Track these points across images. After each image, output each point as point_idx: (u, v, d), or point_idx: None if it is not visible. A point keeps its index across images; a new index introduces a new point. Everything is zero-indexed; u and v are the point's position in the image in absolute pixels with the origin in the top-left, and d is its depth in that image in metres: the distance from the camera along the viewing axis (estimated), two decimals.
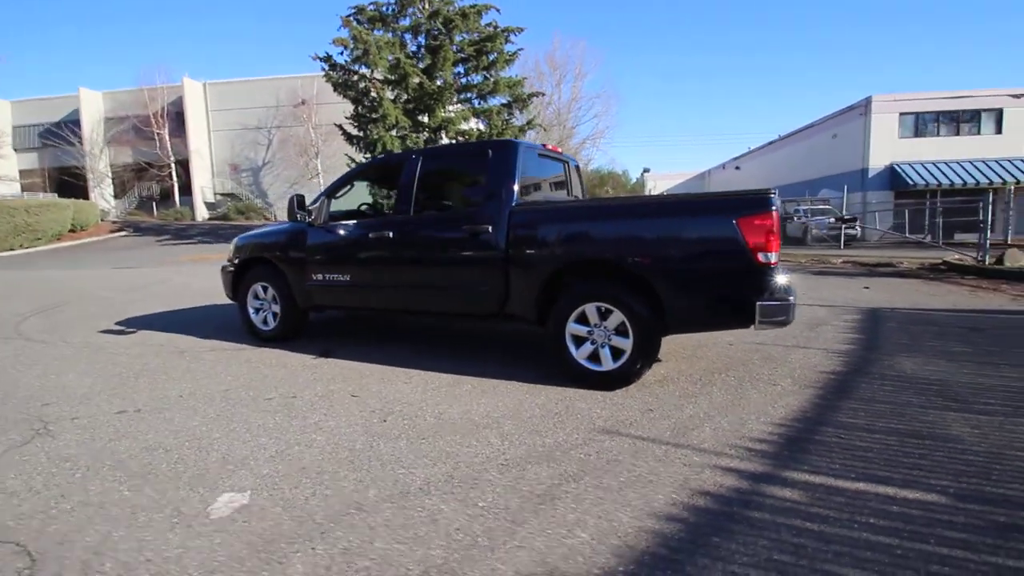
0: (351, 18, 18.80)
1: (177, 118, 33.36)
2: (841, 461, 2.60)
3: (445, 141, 20.38)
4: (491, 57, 19.57)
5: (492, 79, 19.69)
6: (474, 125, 21.10)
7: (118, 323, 6.39)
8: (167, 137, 33.02)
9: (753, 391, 3.60)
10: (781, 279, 3.23)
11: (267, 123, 34.21)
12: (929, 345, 4.82)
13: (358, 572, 1.82)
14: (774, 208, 3.13)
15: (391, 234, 4.33)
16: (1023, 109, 22.14)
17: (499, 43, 19.38)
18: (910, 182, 21.97)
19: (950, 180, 21.65)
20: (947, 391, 3.57)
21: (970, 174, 21.56)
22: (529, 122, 20.43)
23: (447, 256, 4.16)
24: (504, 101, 20.02)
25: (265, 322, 5.21)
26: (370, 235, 4.46)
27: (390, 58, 18.76)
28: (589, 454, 2.69)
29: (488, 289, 3.96)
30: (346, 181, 4.95)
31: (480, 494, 2.32)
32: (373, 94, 19.52)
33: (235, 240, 5.50)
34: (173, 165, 33.56)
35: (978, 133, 22.66)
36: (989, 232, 10.41)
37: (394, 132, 18.99)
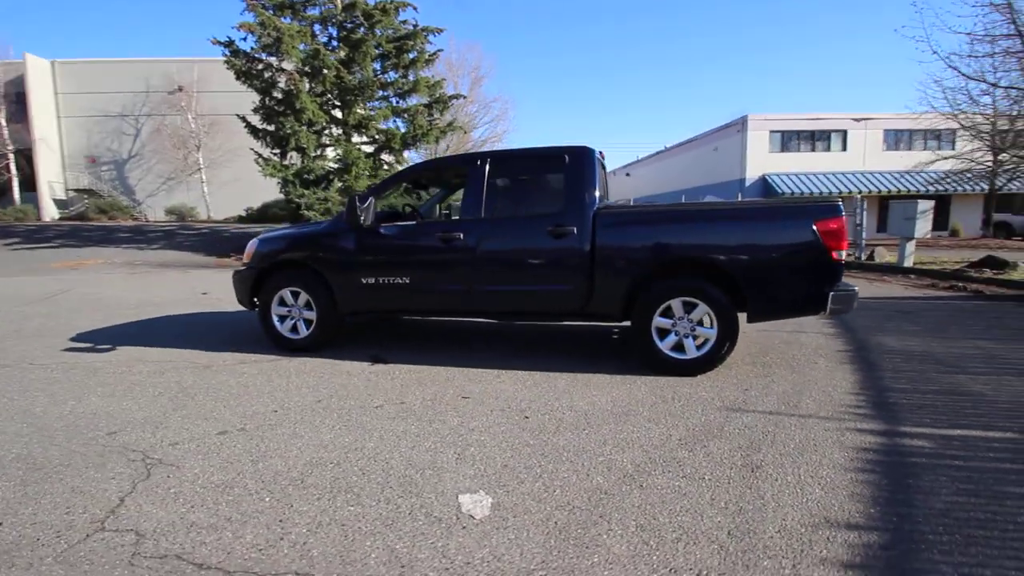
0: (257, 2, 17.39)
1: (18, 100, 28.15)
2: (925, 416, 3.22)
3: (363, 139, 19.69)
4: (411, 56, 19.23)
5: (412, 78, 19.37)
6: (391, 124, 20.57)
7: (74, 340, 5.48)
8: (3, 123, 27.76)
9: (808, 370, 4.19)
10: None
11: (134, 110, 30.19)
12: (887, 326, 5.86)
13: (672, 540, 1.97)
14: (843, 213, 3.73)
15: (462, 236, 4.32)
16: (863, 131, 26.81)
17: (419, 41, 19.10)
18: (779, 191, 25.52)
19: (810, 189, 25.52)
20: (939, 359, 4.46)
21: (825, 185, 25.60)
22: (450, 124, 20.39)
23: (528, 258, 4.25)
24: (424, 101, 19.79)
25: (295, 330, 4.85)
26: (438, 237, 4.39)
27: (303, 47, 17.69)
28: (742, 429, 3.03)
29: (572, 288, 4.14)
30: (396, 182, 4.78)
31: (695, 470, 2.55)
32: (283, 85, 18.20)
33: (254, 243, 5.03)
34: (12, 156, 28.25)
35: (829, 150, 27.00)
36: (856, 233, 12.56)
37: (309, 128, 17.91)
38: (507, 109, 57.50)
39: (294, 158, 19.26)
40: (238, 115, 19.11)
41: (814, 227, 3.71)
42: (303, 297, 4.77)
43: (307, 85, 18.02)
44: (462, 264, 4.35)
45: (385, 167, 19.20)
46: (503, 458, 2.70)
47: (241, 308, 7.36)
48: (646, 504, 2.25)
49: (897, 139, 27.51)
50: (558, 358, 4.57)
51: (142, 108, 30.29)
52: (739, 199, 22.88)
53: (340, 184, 18.18)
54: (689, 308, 3.98)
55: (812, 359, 4.50)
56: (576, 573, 1.82)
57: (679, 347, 4.03)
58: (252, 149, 18.45)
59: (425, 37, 19.14)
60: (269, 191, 26.23)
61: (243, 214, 28.91)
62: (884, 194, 25.12)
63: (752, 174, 26.45)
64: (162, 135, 29.85)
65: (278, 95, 18.26)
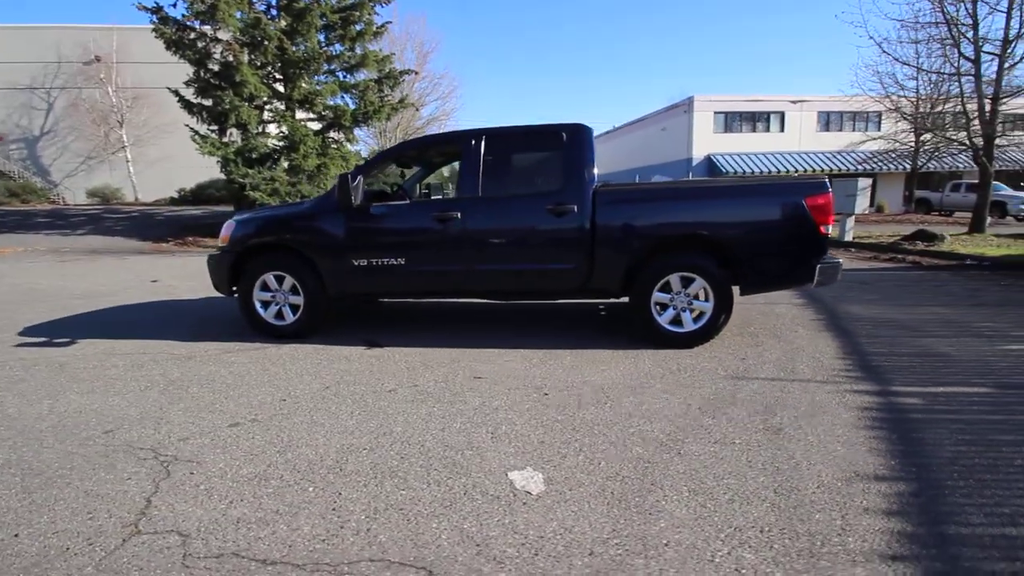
0: None
1: None
2: (909, 376, 3.50)
3: (310, 116, 18.81)
4: (358, 27, 18.39)
5: (360, 52, 18.57)
6: (339, 101, 19.70)
7: (25, 334, 5.00)
8: None
9: (792, 338, 4.44)
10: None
11: (45, 82, 27.43)
12: (849, 295, 6.28)
13: (726, 501, 2.06)
14: (830, 190, 3.93)
15: (460, 215, 4.23)
16: (799, 112, 28.18)
17: (366, 12, 18.27)
18: (724, 170, 26.54)
19: (752, 169, 26.69)
20: (904, 325, 4.83)
21: (765, 164, 26.82)
22: (402, 100, 19.76)
23: (528, 237, 4.23)
24: (374, 77, 19.05)
25: (280, 316, 4.63)
26: (433, 216, 4.28)
27: (240, 15, 16.57)
28: (753, 395, 3.19)
29: (573, 267, 4.17)
30: (384, 160, 4.60)
31: (723, 436, 2.66)
32: (220, 56, 17.01)
33: (231, 224, 4.71)
34: None
35: (768, 131, 28.25)
36: None
37: (249, 103, 16.87)
38: (455, 86, 56.25)
39: (234, 135, 18.16)
40: (169, 88, 17.77)
41: (804, 203, 3.90)
42: (288, 281, 4.55)
43: (247, 57, 16.93)
44: (460, 244, 4.28)
45: (334, 145, 18.46)
46: (537, 435, 2.71)
47: (201, 295, 7.00)
48: (690, 470, 2.33)
49: (829, 121, 29.13)
50: (552, 336, 4.62)
51: (54, 80, 27.60)
52: (690, 177, 23.79)
53: (287, 163, 17.35)
54: (686, 283, 4.10)
55: (792, 328, 4.76)
56: (647, 539, 1.88)
57: (676, 321, 4.16)
58: (187, 126, 17.20)
59: (372, 8, 18.34)
60: (204, 171, 24.65)
61: (175, 196, 27.05)
62: (818, 173, 26.62)
63: (698, 154, 27.33)
64: (79, 110, 27.37)
65: (214, 67, 17.07)
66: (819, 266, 3.96)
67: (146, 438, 2.76)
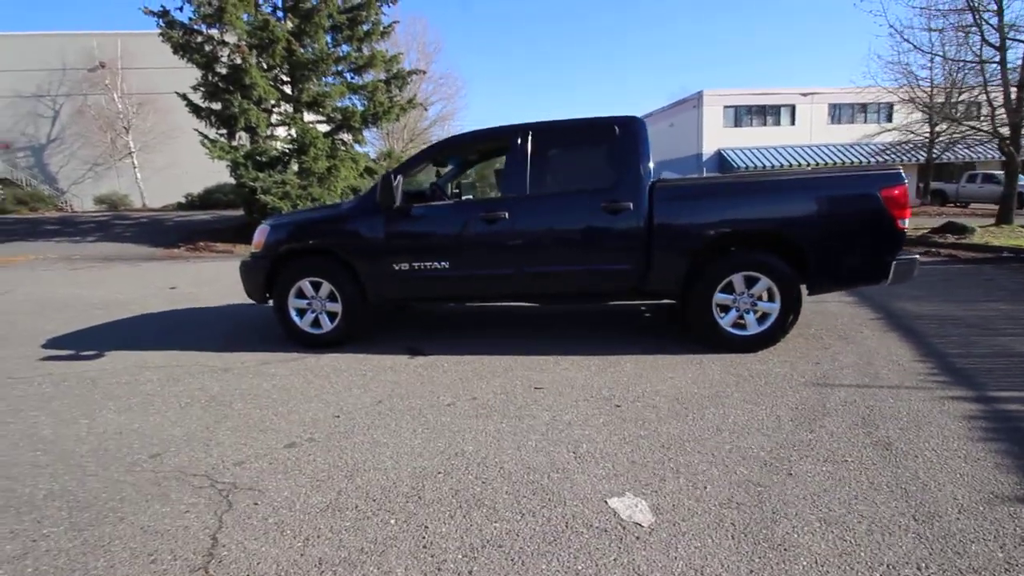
0: None
1: None
2: (1000, 380, 3.25)
3: (319, 118, 18.61)
4: (365, 27, 18.20)
5: (367, 52, 18.37)
6: (347, 102, 19.48)
7: (49, 347, 4.81)
8: None
9: (860, 340, 4.20)
10: None
11: (51, 90, 27.35)
12: (897, 291, 5.99)
13: (864, 532, 1.83)
14: (906, 181, 3.69)
15: (507, 215, 4.01)
16: (810, 105, 27.86)
17: (373, 12, 18.08)
18: (735, 165, 26.25)
19: (762, 163, 26.39)
20: (968, 323, 4.58)
21: (777, 158, 26.53)
22: (410, 100, 19.57)
23: (581, 236, 4.00)
24: (382, 77, 18.84)
25: (316, 324, 4.41)
26: (479, 217, 4.06)
27: (247, 18, 16.39)
28: (844, 405, 2.95)
29: (630, 267, 3.94)
30: (424, 159, 4.38)
31: (831, 453, 2.43)
32: (227, 59, 16.83)
33: (264, 229, 4.50)
34: None
35: (779, 124, 27.93)
36: None
37: (258, 106, 16.68)
38: (459, 87, 56.00)
39: (243, 139, 17.99)
40: (177, 93, 17.59)
41: (879, 194, 3.65)
42: (325, 288, 4.34)
43: (255, 59, 16.74)
44: (508, 245, 4.05)
45: (343, 147, 18.27)
46: (624, 454, 2.49)
47: (224, 302, 6.80)
48: (810, 494, 2.10)
49: (840, 113, 28.81)
50: (602, 341, 4.38)
51: (59, 87, 27.53)
52: (704, 174, 23.48)
53: (297, 166, 17.16)
54: (750, 283, 3.87)
55: (856, 328, 4.51)
56: None
57: (739, 323, 3.93)
58: (196, 130, 17.04)
59: (379, 8, 18.13)
60: (211, 176, 24.51)
61: (183, 201, 26.92)
62: (831, 166, 26.34)
63: (708, 149, 27.05)
64: (85, 117, 27.29)
65: (222, 70, 16.91)
66: (895, 262, 3.71)
67: (198, 462, 2.55)
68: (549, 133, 4.16)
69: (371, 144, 29.45)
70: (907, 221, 3.71)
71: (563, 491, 2.18)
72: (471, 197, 6.02)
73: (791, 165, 26.08)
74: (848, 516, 1.96)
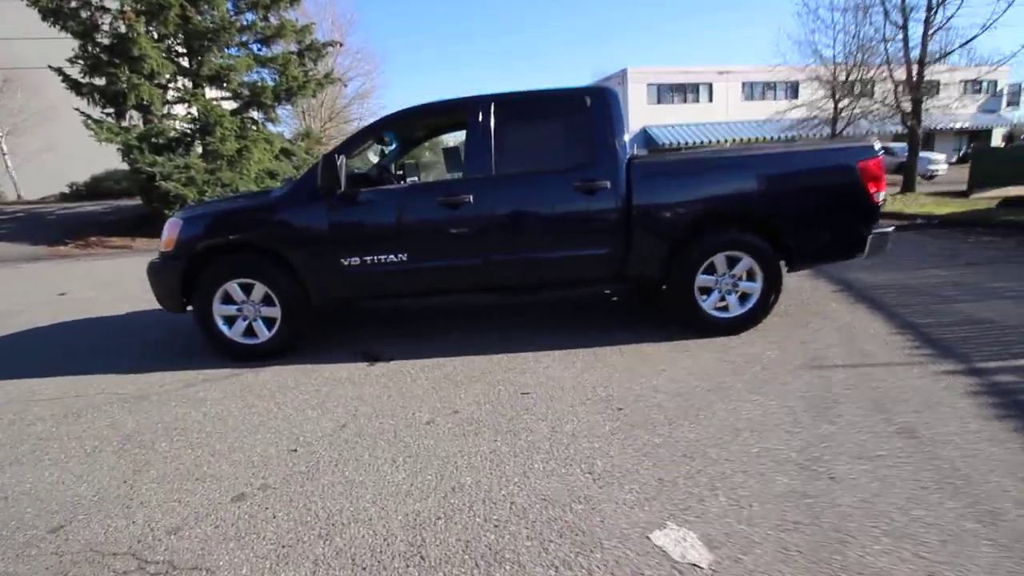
0: None
1: None
2: (979, 350, 3.27)
3: (224, 94, 16.86)
4: None
5: (275, 21, 16.76)
6: (256, 77, 17.75)
7: None
8: None
9: (833, 314, 4.16)
10: None
11: None
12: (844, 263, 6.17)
13: (938, 544, 1.64)
14: (881, 154, 3.61)
15: (472, 198, 3.55)
16: (725, 83, 28.93)
17: None
18: (659, 142, 26.88)
19: (683, 140, 27.19)
20: (923, 290, 4.71)
21: (697, 135, 27.43)
22: (327, 75, 18.17)
23: (555, 220, 3.62)
24: (294, 49, 17.31)
25: (251, 333, 3.77)
26: (439, 201, 3.57)
27: None
28: (850, 388, 2.81)
29: (609, 251, 3.63)
30: (367, 136, 3.79)
31: (863, 448, 2.26)
32: (109, 28, 14.74)
33: (176, 222, 3.74)
34: None
35: (698, 101, 28.85)
36: None
37: (151, 80, 14.79)
38: (377, 62, 53.26)
39: (135, 119, 15.98)
40: (51, 67, 15.26)
41: (856, 167, 3.56)
42: (259, 290, 3.70)
43: (144, 27, 14.76)
44: (474, 232, 3.60)
45: (254, 127, 16.73)
46: (647, 469, 2.18)
47: (128, 309, 5.83)
48: (862, 502, 1.89)
49: (753, 91, 30.21)
50: (579, 331, 4.08)
51: None
52: (635, 151, 23.79)
53: (202, 148, 15.49)
54: (732, 263, 3.69)
55: (823, 303, 4.50)
56: None
57: (720, 305, 3.75)
58: (77, 109, 14.85)
59: None
60: (98, 161, 21.67)
61: (67, 191, 23.70)
62: (746, 141, 27.64)
63: (634, 126, 27.46)
64: None
65: (105, 40, 14.81)
66: (871, 236, 3.65)
67: (117, 534, 1.97)
68: (514, 105, 3.71)
69: (286, 124, 27.41)
70: (882, 194, 3.65)
71: (594, 529, 1.84)
72: (416, 179, 5.47)
73: (710, 142, 27.08)
74: (912, 526, 1.76)
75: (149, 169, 14.40)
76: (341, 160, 3.53)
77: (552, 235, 3.66)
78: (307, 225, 3.62)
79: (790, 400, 2.72)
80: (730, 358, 3.35)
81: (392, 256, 3.62)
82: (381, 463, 2.35)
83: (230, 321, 3.77)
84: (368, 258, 3.64)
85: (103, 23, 14.75)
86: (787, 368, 3.14)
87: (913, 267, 5.73)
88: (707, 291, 3.75)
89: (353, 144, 3.80)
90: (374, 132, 3.90)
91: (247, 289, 3.72)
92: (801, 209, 3.61)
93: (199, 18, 14.95)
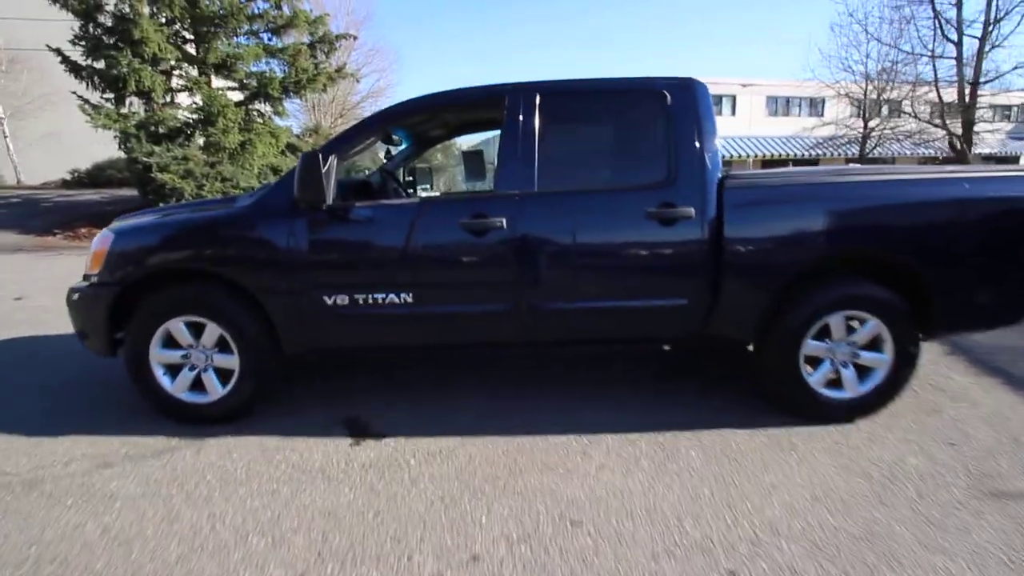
0: None
1: None
2: None
3: (230, 84, 16.05)
4: None
5: (288, 11, 15.93)
6: (264, 67, 16.92)
7: None
8: None
9: (965, 394, 3.17)
10: None
11: None
12: None
13: None
14: None
15: (504, 222, 2.59)
16: (749, 97, 27.90)
17: None
18: None
19: None
20: None
21: (722, 149, 26.35)
22: (340, 69, 17.32)
23: (618, 257, 2.66)
24: (306, 40, 16.48)
25: (199, 388, 2.81)
26: (460, 224, 2.61)
27: None
28: None
29: (688, 302, 2.66)
30: (370, 130, 2.83)
31: None
32: (113, 8, 13.95)
33: (106, 237, 2.80)
34: None
35: (720, 114, 27.75)
36: None
37: (153, 66, 13.98)
38: (393, 60, 52.43)
39: (135, 106, 15.18)
40: (49, 47, 14.54)
41: None
42: (212, 332, 2.74)
43: (147, 9, 13.96)
44: (505, 268, 2.65)
45: (260, 119, 15.89)
46: None
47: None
48: None
49: (777, 105, 29.22)
50: (623, 400, 3.09)
51: None
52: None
53: (203, 139, 14.65)
54: (851, 324, 2.71)
55: (938, 373, 3.48)
56: None
57: (833, 381, 2.77)
58: (75, 93, 14.08)
59: None
60: (103, 148, 20.81)
61: (68, 178, 22.95)
62: (769, 158, 26.60)
63: None
64: None
65: (107, 21, 14.04)
66: None
67: None
68: (567, 98, 2.75)
69: (294, 118, 26.57)
70: None
71: None
72: (428, 188, 4.53)
73: (734, 157, 26.07)
74: None
75: (146, 159, 13.60)
76: (330, 162, 2.58)
77: (611, 277, 2.70)
78: (280, 248, 2.66)
79: (990, 564, 1.74)
80: (860, 466, 2.37)
81: (394, 296, 2.66)
82: None
83: (173, 371, 2.82)
84: (361, 296, 2.68)
85: (107, 4, 13.98)
86: (952, 495, 2.15)
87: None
88: (814, 361, 2.77)
89: (348, 141, 2.82)
90: (376, 125, 2.92)
91: (196, 330, 2.77)
92: (962, 257, 2.62)
93: (206, 2, 14.14)
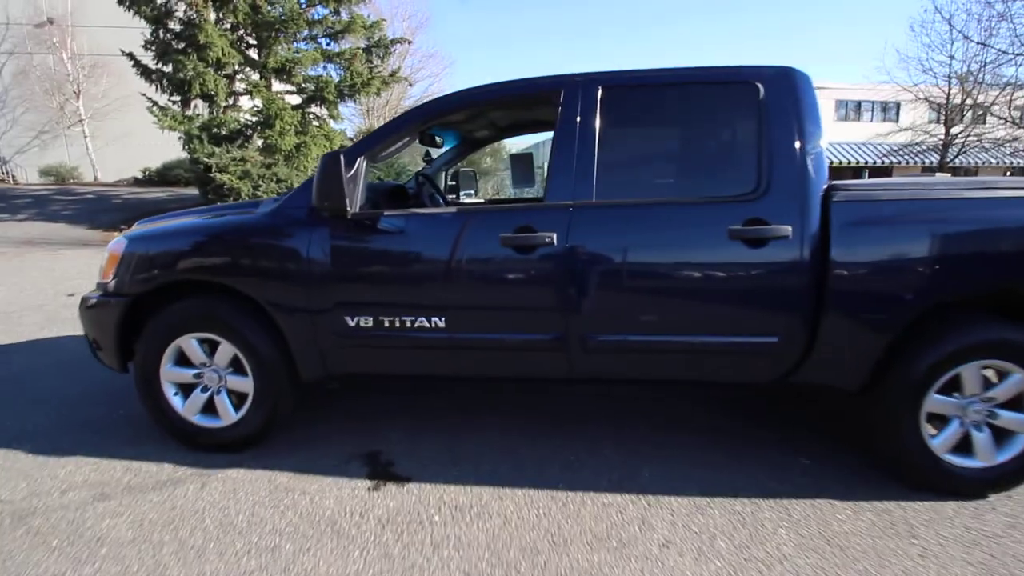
0: None
1: None
2: None
3: (288, 88, 16.41)
4: None
5: (346, 16, 16.13)
6: (321, 71, 17.21)
7: None
8: None
9: None
10: None
11: None
12: None
13: None
14: None
15: (555, 238, 2.19)
16: (820, 101, 26.30)
17: None
18: None
19: None
20: None
21: None
22: (394, 73, 17.40)
23: (692, 282, 2.21)
24: (362, 45, 16.63)
25: (211, 411, 2.55)
26: (505, 239, 2.23)
27: None
28: None
29: (780, 340, 2.17)
30: (404, 128, 2.50)
31: None
32: (182, 15, 14.51)
33: (120, 243, 2.60)
34: None
35: None
36: None
37: (217, 70, 14.42)
38: (447, 65, 52.95)
39: (199, 108, 15.75)
40: (123, 51, 15.27)
41: None
42: (226, 351, 2.47)
43: (213, 15, 14.42)
44: (555, 292, 2.25)
45: (315, 122, 16.13)
46: None
47: None
48: None
49: (847, 110, 27.47)
50: (685, 438, 2.61)
51: (1, 44, 24.56)
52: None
53: (261, 141, 15.00)
54: (989, 377, 2.14)
55: None
56: None
57: (962, 446, 2.20)
58: (144, 95, 14.71)
59: None
60: (171, 148, 21.82)
61: (139, 176, 24.27)
62: (841, 165, 24.96)
63: None
64: (30, 78, 24.43)
65: (175, 27, 14.61)
66: None
67: None
68: (634, 92, 2.32)
69: (349, 121, 27.11)
70: None
71: None
72: (472, 195, 4.17)
73: None
74: None
75: (206, 160, 14.03)
76: (358, 165, 2.27)
77: (680, 307, 2.24)
78: (296, 261, 2.36)
79: None
80: (1005, 568, 1.81)
81: (423, 320, 2.31)
82: None
83: (185, 390, 2.57)
84: (387, 319, 2.34)
85: (177, 10, 14.55)
86: None
87: None
88: (940, 419, 2.21)
89: (379, 140, 2.49)
90: (412, 123, 2.56)
91: (209, 347, 2.51)
92: None
93: (269, 8, 14.48)
